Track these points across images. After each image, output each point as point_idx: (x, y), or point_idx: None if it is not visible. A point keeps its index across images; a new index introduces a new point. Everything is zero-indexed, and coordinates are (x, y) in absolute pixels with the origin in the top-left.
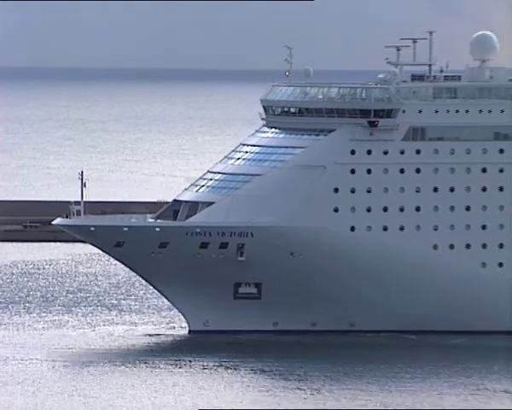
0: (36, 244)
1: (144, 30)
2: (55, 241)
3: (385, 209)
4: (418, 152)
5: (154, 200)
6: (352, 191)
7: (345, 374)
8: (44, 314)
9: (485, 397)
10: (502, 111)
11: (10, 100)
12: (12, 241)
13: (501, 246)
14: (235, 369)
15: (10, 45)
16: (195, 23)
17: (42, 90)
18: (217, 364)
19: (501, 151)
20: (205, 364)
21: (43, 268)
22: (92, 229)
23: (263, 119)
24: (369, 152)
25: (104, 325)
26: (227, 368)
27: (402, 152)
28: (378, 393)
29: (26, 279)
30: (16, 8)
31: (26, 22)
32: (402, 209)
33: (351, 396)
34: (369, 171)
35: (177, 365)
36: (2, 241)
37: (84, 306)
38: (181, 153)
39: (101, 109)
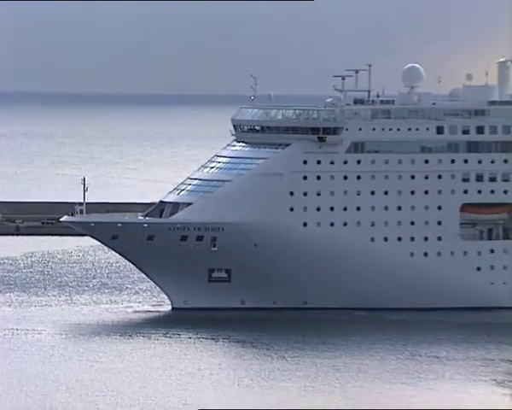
0: (51, 237)
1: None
2: (66, 235)
3: (331, 209)
4: (358, 162)
5: (149, 201)
6: (305, 194)
7: (303, 343)
8: (57, 294)
9: (418, 361)
10: (427, 129)
11: (29, 119)
12: (32, 235)
13: (426, 239)
14: (211, 339)
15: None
16: (170, 54)
17: (54, 111)
18: (196, 335)
19: (426, 162)
20: (186, 335)
21: (57, 257)
22: (92, 225)
23: (233, 135)
24: (318, 162)
25: (106, 303)
26: (205, 338)
27: (345, 162)
28: (331, 358)
29: (42, 266)
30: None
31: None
32: (345, 209)
33: (309, 361)
34: (318, 177)
35: (164, 336)
36: (24, 235)
37: (89, 287)
38: (169, 163)
39: (106, 128)
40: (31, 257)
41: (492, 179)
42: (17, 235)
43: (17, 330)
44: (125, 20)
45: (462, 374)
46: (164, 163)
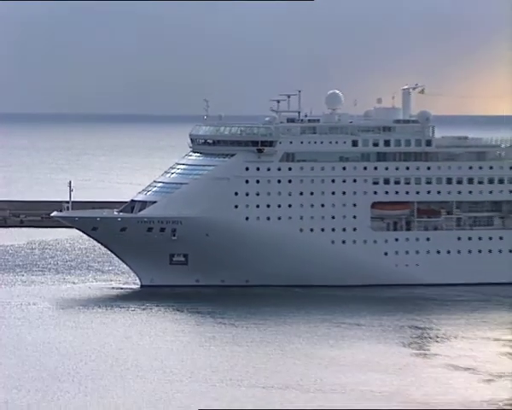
0: (48, 229)
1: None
2: (60, 227)
3: (268, 206)
4: (290, 169)
5: (122, 200)
6: (247, 194)
7: (249, 313)
8: (52, 274)
9: (342, 328)
10: (344, 142)
11: (32, 135)
12: (33, 227)
13: (344, 230)
14: (174, 310)
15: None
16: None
17: (47, 129)
18: (161, 307)
19: (344, 168)
20: (153, 307)
21: (52, 245)
22: (76, 219)
23: (190, 147)
24: (257, 169)
25: (90, 282)
26: (168, 310)
27: (279, 169)
28: (272, 325)
29: (40, 252)
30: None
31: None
32: (279, 206)
33: (255, 328)
34: (257, 181)
35: (136, 307)
36: (26, 227)
37: (77, 269)
38: (138, 169)
39: (91, 142)
40: (31, 245)
41: (397, 183)
42: (21, 227)
43: (19, 303)
44: (89, 44)
45: (378, 338)
46: (134, 169)
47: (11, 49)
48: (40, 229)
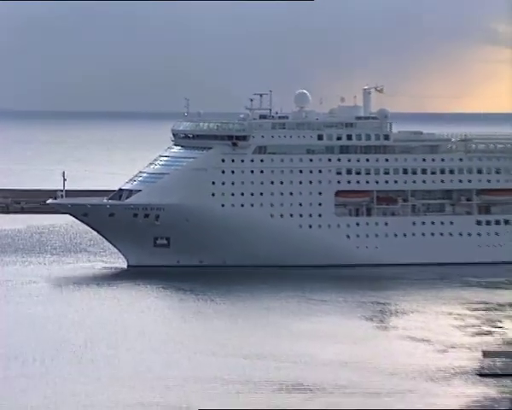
0: (46, 215)
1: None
2: (56, 213)
3: (242, 194)
4: (262, 160)
5: (111, 189)
6: (223, 183)
7: (226, 290)
8: (49, 255)
9: (310, 303)
10: (311, 137)
11: (31, 130)
12: (32, 213)
13: (310, 215)
14: (158, 287)
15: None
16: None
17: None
18: (146, 284)
19: (310, 160)
20: (139, 284)
21: (49, 229)
22: (69, 206)
23: (172, 140)
24: (232, 160)
25: (82, 262)
26: (153, 287)
27: (252, 160)
28: (248, 301)
29: (38, 235)
30: None
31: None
32: (252, 194)
33: (233, 304)
34: (232, 172)
35: (123, 284)
36: (26, 213)
37: (71, 250)
38: (125, 161)
39: (85, 137)
40: (30, 229)
41: (358, 173)
42: (21, 213)
43: (19, 282)
44: (67, 42)
45: (342, 312)
46: (122, 161)
47: (9, 48)
48: (38, 215)
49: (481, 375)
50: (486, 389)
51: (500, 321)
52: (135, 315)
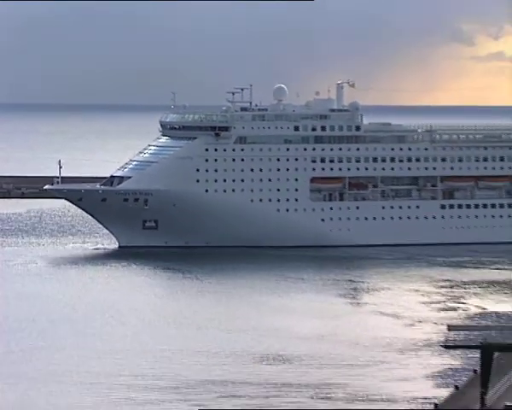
0: (44, 200)
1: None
2: (54, 198)
3: (224, 180)
4: (242, 150)
5: (106, 176)
6: (206, 170)
7: (210, 269)
8: (46, 237)
9: (288, 281)
10: (288, 128)
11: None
12: (32, 198)
13: (287, 200)
14: (147, 266)
15: None
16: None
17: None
18: (136, 263)
19: (287, 149)
20: (130, 263)
21: (47, 213)
22: (65, 191)
23: (160, 131)
24: (215, 149)
25: (78, 243)
26: (142, 266)
27: (233, 149)
28: (230, 279)
29: (37, 219)
30: None
31: None
32: (234, 180)
33: (216, 282)
34: (215, 160)
35: (115, 265)
36: (27, 198)
37: (67, 232)
38: (121, 150)
39: (82, 128)
40: (30, 213)
41: (331, 161)
42: (22, 198)
43: (20, 262)
44: (59, 36)
45: (318, 290)
46: (114, 150)
47: (10, 46)
48: (38, 200)
49: (446, 347)
50: (451, 360)
51: (463, 297)
52: (126, 292)
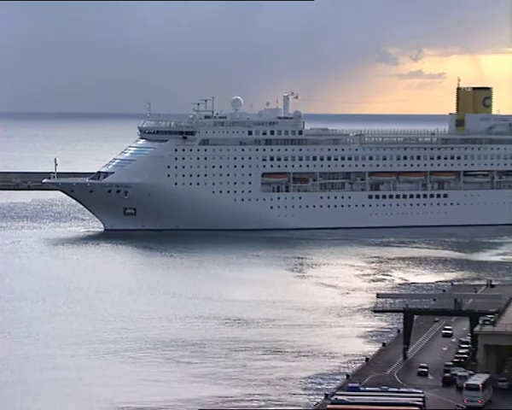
0: (46, 191)
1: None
2: (53, 190)
3: (190, 175)
4: (205, 150)
5: (94, 171)
6: (176, 167)
7: (180, 248)
8: (47, 222)
9: (246, 258)
10: (243, 132)
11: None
12: (36, 190)
13: (242, 191)
14: (128, 245)
15: None
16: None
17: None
18: (119, 244)
19: (242, 150)
20: (113, 243)
21: (48, 202)
22: (59, 184)
23: (138, 135)
24: (183, 150)
25: (70, 227)
26: (124, 246)
27: (198, 150)
28: (196, 255)
29: (40, 207)
30: None
31: None
32: (198, 175)
33: (188, 258)
34: (183, 158)
35: (102, 244)
36: (32, 190)
37: (62, 218)
38: (108, 151)
39: (74, 133)
40: (34, 202)
41: (279, 159)
42: (28, 190)
43: (25, 242)
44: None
45: (270, 265)
46: (100, 151)
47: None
48: (40, 191)
49: (375, 311)
50: (379, 322)
51: (389, 271)
52: (112, 267)
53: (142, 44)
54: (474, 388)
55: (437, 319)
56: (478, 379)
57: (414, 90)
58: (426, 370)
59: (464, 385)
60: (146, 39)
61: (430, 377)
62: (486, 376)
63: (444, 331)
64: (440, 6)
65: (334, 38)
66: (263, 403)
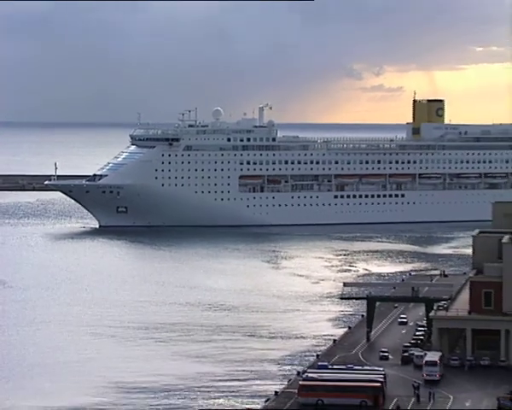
0: (49, 192)
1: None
2: (52, 190)
3: (175, 177)
4: (189, 155)
5: (90, 174)
6: (162, 170)
7: (167, 242)
8: (49, 219)
9: (226, 251)
10: (223, 139)
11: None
12: (40, 191)
13: (222, 192)
14: (121, 240)
15: None
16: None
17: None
18: (113, 238)
19: (222, 155)
20: (108, 239)
21: (50, 201)
22: (59, 185)
23: (130, 141)
24: (169, 155)
25: (68, 223)
26: (117, 240)
27: (182, 155)
28: (182, 248)
29: (45, 205)
30: None
31: None
32: (182, 177)
33: (173, 250)
34: (169, 162)
35: (97, 239)
36: (37, 191)
37: (62, 215)
38: (104, 155)
39: (71, 138)
40: (38, 201)
41: (254, 163)
42: (33, 191)
43: (30, 237)
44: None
45: (249, 257)
46: (95, 155)
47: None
48: (44, 192)
49: (342, 298)
50: (345, 308)
51: (354, 262)
52: (106, 259)
53: (132, 60)
54: (433, 364)
55: (396, 305)
56: (434, 356)
57: (376, 102)
58: (387, 354)
59: (424, 362)
60: (135, 56)
61: (390, 356)
62: (439, 353)
63: (399, 320)
64: (398, 27)
65: (305, 55)
66: (242, 380)
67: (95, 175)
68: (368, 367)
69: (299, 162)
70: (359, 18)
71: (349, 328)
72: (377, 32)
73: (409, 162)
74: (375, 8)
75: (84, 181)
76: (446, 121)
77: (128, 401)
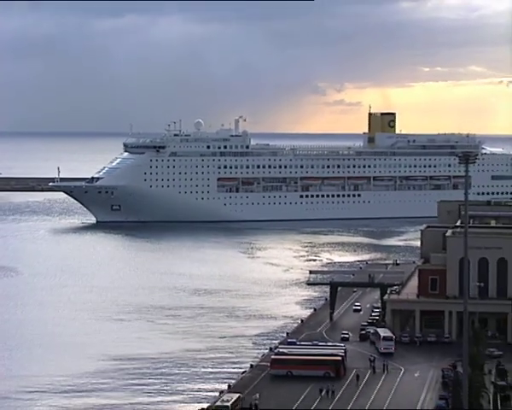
0: (53, 192)
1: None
2: (55, 191)
3: (162, 180)
4: (174, 160)
5: (89, 176)
6: (151, 174)
7: (157, 235)
8: (53, 216)
9: (208, 243)
10: (203, 147)
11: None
12: (46, 191)
13: (202, 192)
14: (116, 234)
15: None
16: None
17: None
18: (109, 233)
19: (202, 160)
20: (105, 233)
21: (53, 200)
22: (62, 186)
23: (123, 149)
24: (156, 160)
25: (67, 219)
26: (113, 234)
27: (168, 160)
28: (169, 241)
29: (49, 205)
30: None
31: None
32: (168, 179)
33: (162, 243)
34: (156, 166)
35: (95, 233)
36: (43, 191)
37: (63, 212)
38: (101, 161)
39: (72, 146)
40: (45, 200)
41: (231, 168)
42: (41, 191)
43: (37, 231)
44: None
45: (227, 248)
46: (93, 161)
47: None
48: (50, 192)
49: (309, 284)
50: (311, 292)
51: (319, 253)
52: (103, 250)
53: (124, 79)
54: (389, 339)
55: (355, 289)
56: (386, 332)
57: (337, 114)
58: (347, 335)
59: (382, 337)
60: (127, 74)
61: (350, 334)
62: (389, 331)
63: (354, 307)
64: (357, 50)
65: (275, 74)
66: (222, 354)
67: (92, 178)
68: (330, 343)
69: (269, 167)
70: (323, 42)
71: (314, 310)
72: (339, 54)
73: (364, 167)
74: (335, 34)
75: (83, 183)
76: (397, 131)
77: (122, 367)
